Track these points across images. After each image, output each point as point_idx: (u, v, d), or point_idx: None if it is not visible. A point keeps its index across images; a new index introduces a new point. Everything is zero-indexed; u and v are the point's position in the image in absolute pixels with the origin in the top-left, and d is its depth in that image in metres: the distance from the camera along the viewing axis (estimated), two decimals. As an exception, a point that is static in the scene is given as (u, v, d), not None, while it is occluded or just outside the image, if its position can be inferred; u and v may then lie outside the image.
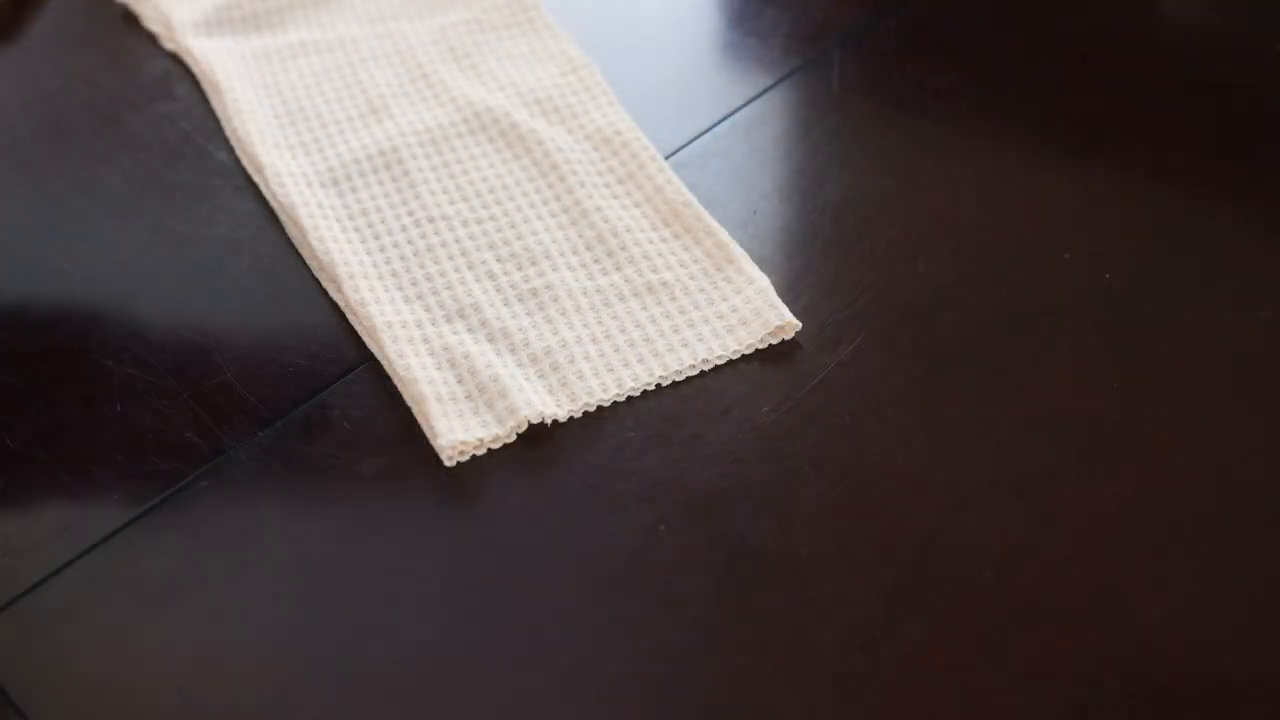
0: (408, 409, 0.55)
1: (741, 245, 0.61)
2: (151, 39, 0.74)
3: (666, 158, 0.66)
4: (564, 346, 0.57)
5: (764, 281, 0.59)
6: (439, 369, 0.56)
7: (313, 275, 0.60)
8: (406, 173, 0.65)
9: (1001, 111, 0.69)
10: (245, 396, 0.56)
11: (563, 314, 0.58)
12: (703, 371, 0.56)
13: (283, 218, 0.63)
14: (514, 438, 0.54)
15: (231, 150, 0.67)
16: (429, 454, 0.53)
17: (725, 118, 0.69)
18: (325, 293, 0.60)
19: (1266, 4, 0.76)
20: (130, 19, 0.76)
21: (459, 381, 0.55)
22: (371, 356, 0.57)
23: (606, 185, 0.64)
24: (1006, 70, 0.72)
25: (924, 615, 0.48)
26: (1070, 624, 0.48)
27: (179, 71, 0.72)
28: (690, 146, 0.67)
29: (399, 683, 0.47)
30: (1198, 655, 0.47)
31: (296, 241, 0.62)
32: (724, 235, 0.61)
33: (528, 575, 0.50)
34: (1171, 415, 0.54)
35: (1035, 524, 0.51)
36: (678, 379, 0.56)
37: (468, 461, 0.53)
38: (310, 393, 0.56)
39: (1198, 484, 0.52)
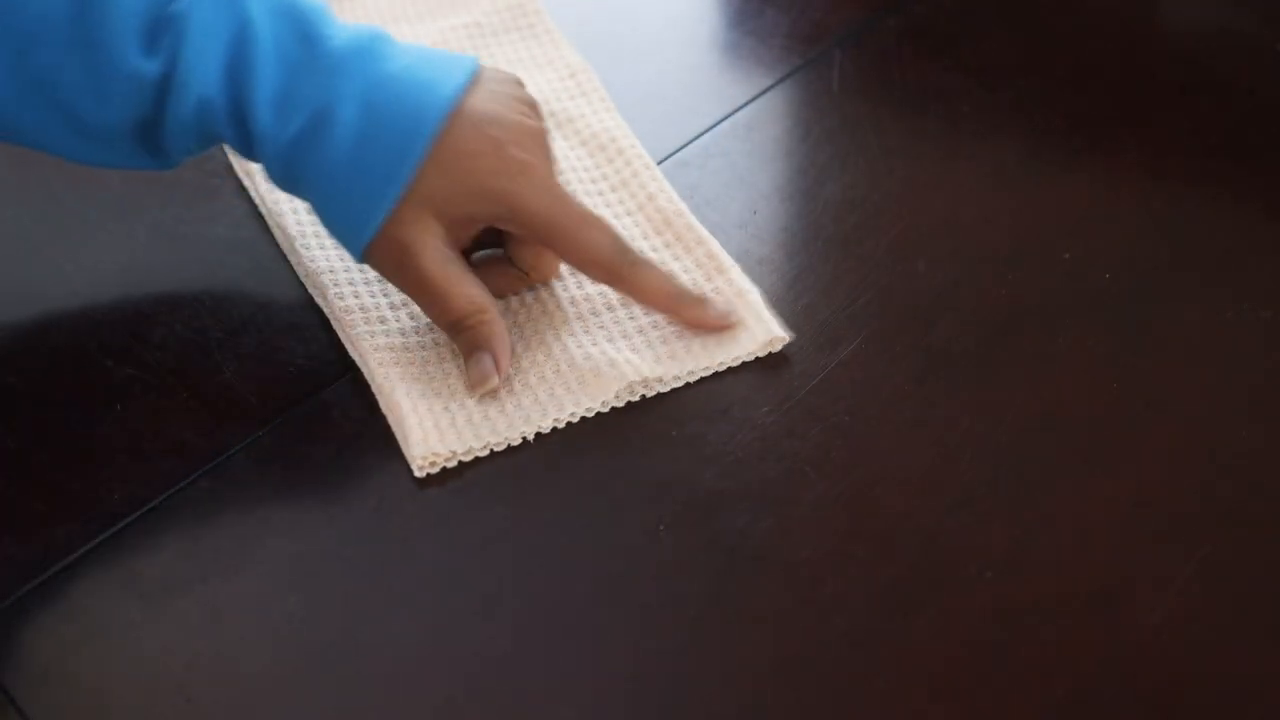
0: (408, 409, 0.55)
1: (741, 245, 0.61)
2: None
3: (666, 158, 0.66)
4: (549, 359, 0.56)
5: (755, 294, 0.58)
6: (417, 380, 0.55)
7: (313, 275, 0.60)
8: None
9: (1001, 111, 0.70)
10: (245, 396, 0.56)
11: (551, 326, 0.58)
12: (688, 384, 0.56)
13: (270, 224, 0.62)
14: (488, 452, 0.53)
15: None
16: (429, 454, 0.53)
17: (725, 118, 0.69)
18: (325, 293, 0.60)
19: (1266, 4, 0.76)
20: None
21: (436, 395, 0.55)
22: (371, 356, 0.57)
23: (600, 193, 0.64)
24: (1006, 70, 0.72)
25: (924, 615, 0.48)
26: (1070, 624, 0.47)
27: (179, 71, 0.72)
28: (690, 146, 0.67)
29: (399, 683, 0.47)
30: (1198, 655, 0.47)
31: (285, 249, 0.61)
32: (715, 245, 0.60)
33: (527, 575, 0.50)
34: (1171, 415, 0.54)
35: (1035, 524, 0.51)
36: (662, 389, 0.55)
37: (469, 462, 0.53)
38: (310, 393, 0.56)
39: (1198, 484, 0.52)
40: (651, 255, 0.60)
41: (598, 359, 0.56)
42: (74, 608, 0.49)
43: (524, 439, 0.54)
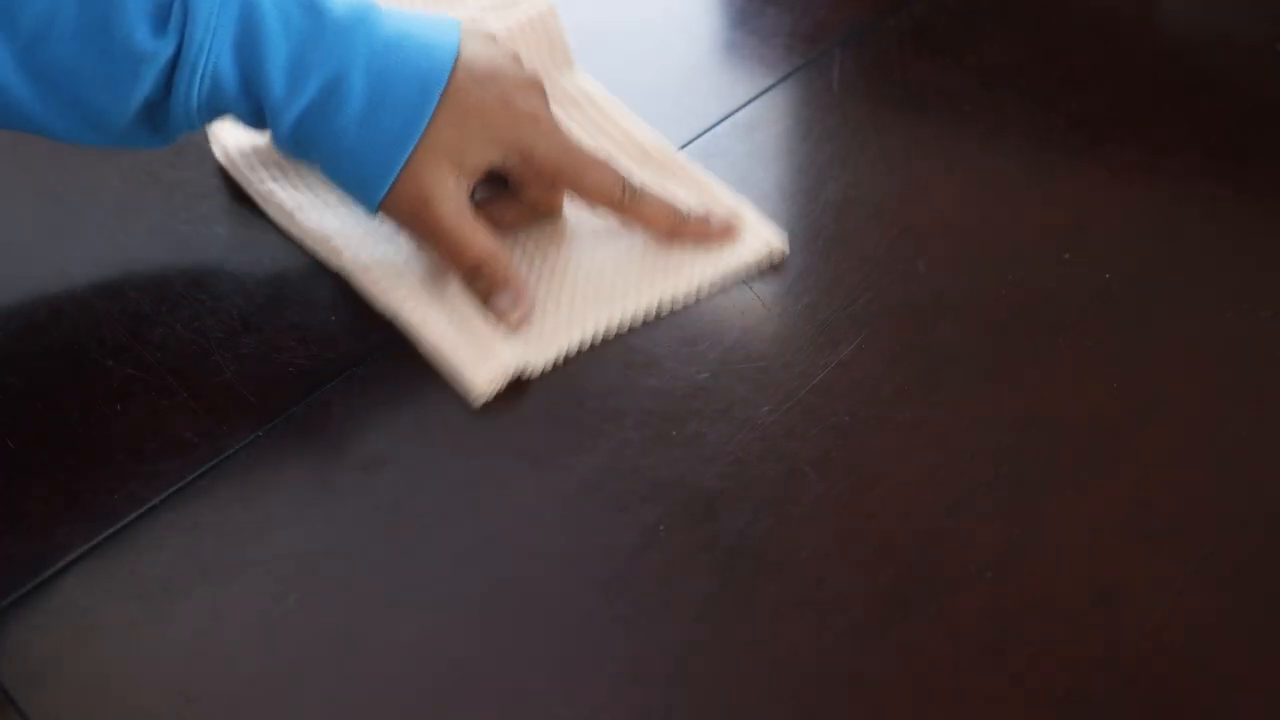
0: (407, 408, 0.55)
1: (741, 245, 0.61)
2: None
3: (667, 158, 0.66)
4: (563, 287, 0.60)
5: (747, 208, 0.62)
6: (449, 316, 0.58)
7: (312, 274, 0.60)
8: None
9: (1001, 112, 0.70)
10: (245, 396, 0.56)
11: (558, 252, 0.61)
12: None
13: (264, 207, 0.63)
14: (538, 372, 0.56)
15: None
16: (429, 455, 0.54)
17: (725, 117, 0.69)
18: (324, 291, 0.60)
19: (1266, 4, 0.76)
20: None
21: (467, 323, 0.57)
22: (369, 356, 0.57)
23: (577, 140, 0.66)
24: (1006, 70, 0.72)
25: (924, 615, 0.48)
26: (1070, 624, 0.48)
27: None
28: (690, 146, 0.67)
29: (399, 683, 0.47)
30: (1198, 655, 0.47)
31: (284, 225, 0.62)
32: (698, 170, 0.64)
33: (528, 575, 0.50)
34: (1171, 415, 0.54)
35: (1035, 524, 0.51)
36: (675, 307, 0.58)
37: (467, 461, 0.53)
38: (310, 392, 0.56)
39: (1198, 484, 0.52)
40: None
41: (612, 279, 0.60)
42: (74, 608, 0.49)
43: (567, 355, 0.57)
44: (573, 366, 0.57)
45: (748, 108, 0.70)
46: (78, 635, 0.48)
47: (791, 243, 0.63)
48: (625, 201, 0.59)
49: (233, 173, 0.64)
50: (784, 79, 0.71)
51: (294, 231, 0.62)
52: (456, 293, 0.58)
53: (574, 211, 0.62)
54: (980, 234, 0.62)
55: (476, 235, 0.57)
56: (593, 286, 0.59)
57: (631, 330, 0.58)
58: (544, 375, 0.56)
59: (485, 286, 0.58)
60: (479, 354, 0.56)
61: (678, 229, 0.60)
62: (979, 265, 0.61)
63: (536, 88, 0.58)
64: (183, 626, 0.48)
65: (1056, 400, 0.55)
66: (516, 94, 0.57)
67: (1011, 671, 0.46)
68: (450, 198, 0.56)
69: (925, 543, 0.50)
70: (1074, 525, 0.50)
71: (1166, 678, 0.46)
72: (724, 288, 0.60)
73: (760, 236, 0.61)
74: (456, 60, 0.56)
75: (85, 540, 0.51)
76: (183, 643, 0.48)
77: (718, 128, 0.68)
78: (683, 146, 0.67)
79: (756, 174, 0.66)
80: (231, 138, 0.65)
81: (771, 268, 0.60)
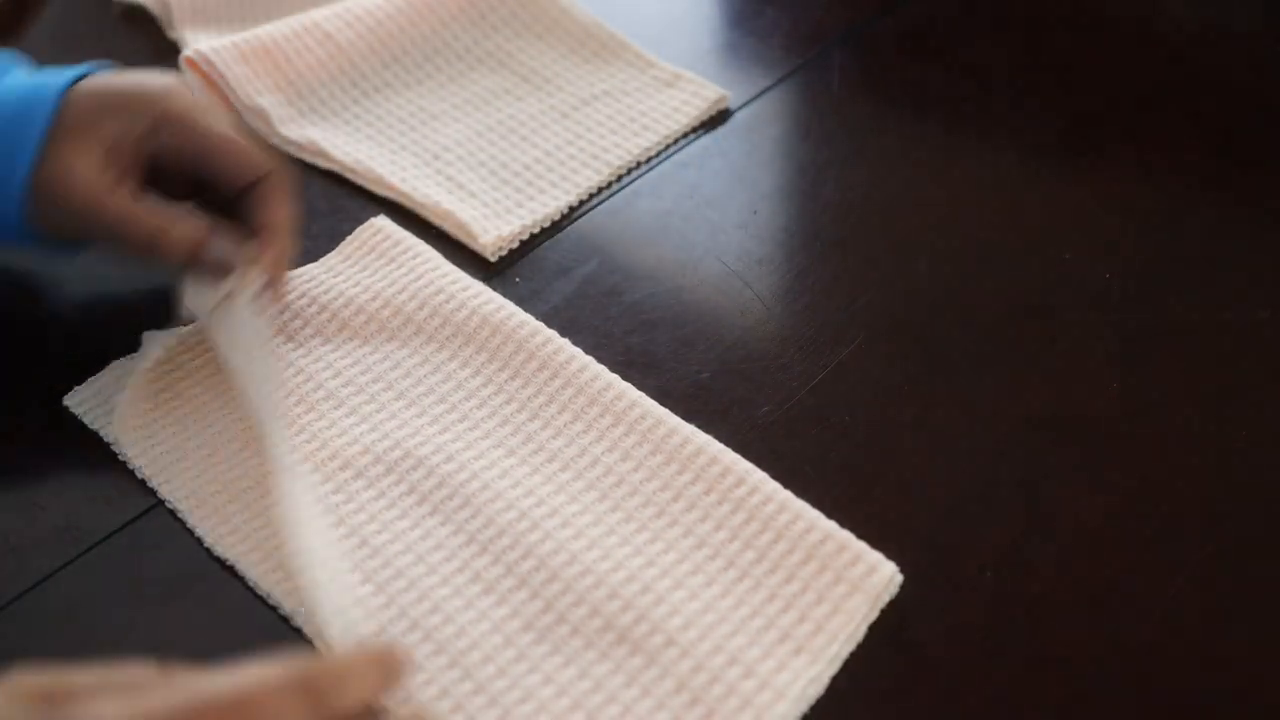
0: (408, 409, 0.55)
1: (741, 245, 0.61)
2: (151, 37, 0.74)
3: (666, 158, 0.66)
4: (548, 154, 0.66)
5: (689, 74, 0.69)
6: (446, 188, 0.64)
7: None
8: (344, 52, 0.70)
9: (1001, 112, 0.70)
10: (245, 396, 0.55)
11: (536, 121, 0.68)
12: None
13: (253, 122, 0.67)
14: (539, 229, 0.62)
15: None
16: (429, 454, 0.53)
17: (725, 118, 0.69)
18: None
19: (1266, 4, 0.76)
20: (130, 18, 0.76)
21: (464, 193, 0.63)
22: (371, 356, 0.57)
23: (518, 34, 0.73)
24: (1006, 70, 0.72)
25: (924, 615, 0.48)
26: (1070, 624, 0.48)
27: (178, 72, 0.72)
28: (690, 146, 0.67)
29: (399, 683, 0.47)
30: (1198, 655, 0.47)
31: (266, 135, 0.67)
32: (640, 49, 0.71)
33: (528, 575, 0.50)
34: (1171, 415, 0.54)
35: (1035, 524, 0.51)
36: (644, 158, 0.66)
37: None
38: (310, 393, 0.56)
39: (1197, 484, 0.52)
40: (585, 67, 0.71)
41: (586, 149, 0.66)
42: (74, 608, 0.49)
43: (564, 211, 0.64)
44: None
45: (747, 108, 0.70)
46: (78, 635, 0.48)
47: (791, 243, 0.63)
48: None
49: (223, 87, 0.67)
50: (783, 79, 0.71)
51: (275, 141, 0.66)
52: (448, 164, 0.65)
53: (522, 105, 0.68)
54: (980, 234, 0.62)
55: (138, 208, 0.53)
56: (575, 157, 0.66)
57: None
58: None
59: (176, 257, 0.53)
60: (489, 223, 0.62)
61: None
62: (979, 265, 0.61)
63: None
64: (183, 626, 0.48)
65: (1056, 400, 0.55)
66: (149, 77, 0.54)
67: (1012, 671, 0.46)
68: (91, 166, 0.52)
69: (925, 543, 0.50)
70: (1074, 525, 0.50)
71: (1166, 678, 0.46)
72: (677, 141, 0.67)
73: (700, 95, 0.69)
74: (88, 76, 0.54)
75: (86, 540, 0.51)
76: (183, 643, 0.48)
77: (718, 128, 0.68)
78: (684, 147, 0.67)
79: (756, 174, 0.66)
80: (211, 49, 0.67)
81: (768, 269, 0.60)
